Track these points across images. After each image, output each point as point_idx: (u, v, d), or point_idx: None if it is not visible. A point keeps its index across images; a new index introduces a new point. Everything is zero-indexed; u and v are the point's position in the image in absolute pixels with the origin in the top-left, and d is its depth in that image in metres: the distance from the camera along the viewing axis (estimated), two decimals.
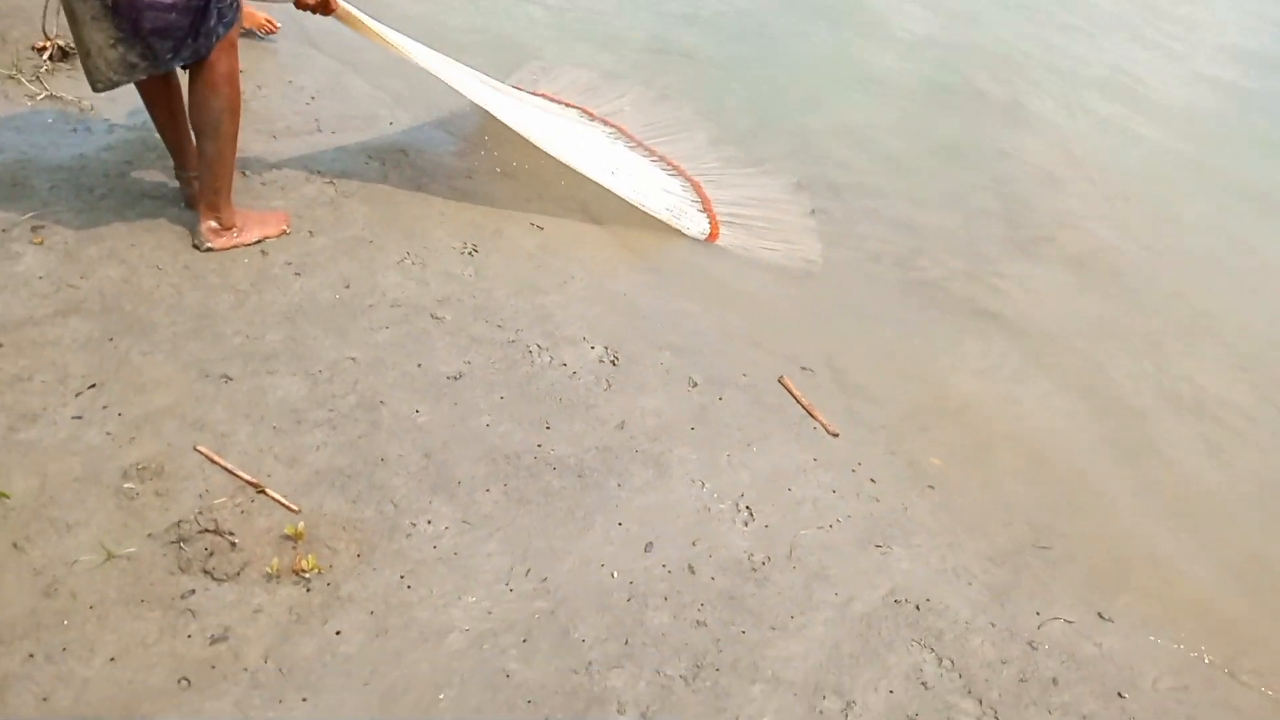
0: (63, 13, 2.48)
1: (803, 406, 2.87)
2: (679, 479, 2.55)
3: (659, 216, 3.50)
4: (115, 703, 1.79)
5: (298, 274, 2.95)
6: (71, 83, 3.61)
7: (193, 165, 2.96)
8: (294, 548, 2.13)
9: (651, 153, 3.91)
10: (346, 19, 3.03)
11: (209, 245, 2.91)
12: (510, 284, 3.12)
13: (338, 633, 2.00)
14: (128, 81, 2.58)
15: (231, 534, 2.11)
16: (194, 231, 2.93)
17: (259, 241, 3.01)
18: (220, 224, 2.92)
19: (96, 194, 3.04)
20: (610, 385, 2.81)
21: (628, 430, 2.67)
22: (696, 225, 3.56)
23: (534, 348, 2.87)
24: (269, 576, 2.05)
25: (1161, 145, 5.46)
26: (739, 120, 4.56)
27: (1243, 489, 3.02)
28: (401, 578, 2.14)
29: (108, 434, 2.29)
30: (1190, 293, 4.02)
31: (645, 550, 2.35)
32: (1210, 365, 3.57)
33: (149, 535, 2.08)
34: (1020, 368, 3.30)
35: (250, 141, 3.54)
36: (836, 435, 2.80)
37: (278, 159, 3.50)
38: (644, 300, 3.21)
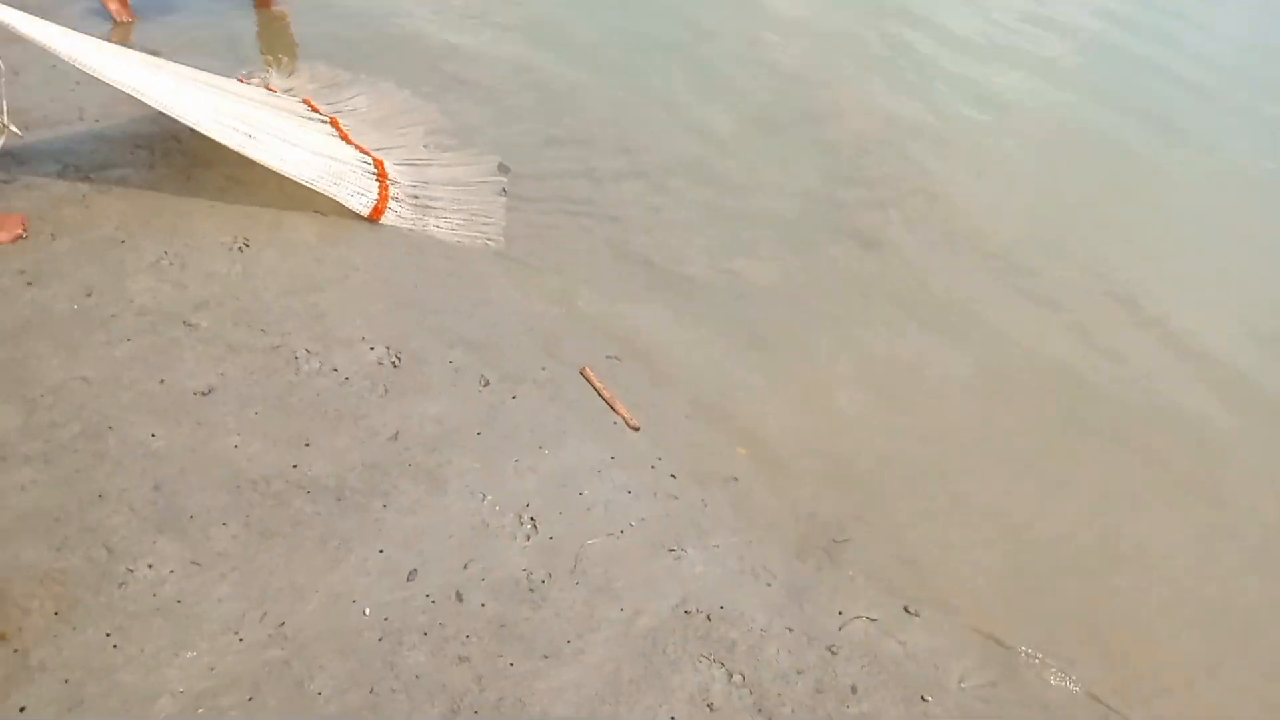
0: None
1: (604, 399, 2.67)
2: (456, 493, 2.32)
3: (305, 182, 3.08)
4: None
5: (30, 283, 2.61)
6: None
7: None
8: None
9: (334, 126, 3.52)
10: None
11: None
12: (282, 282, 2.83)
13: (22, 709, 1.73)
14: None
15: None
16: None
17: None
18: None
19: None
20: (387, 391, 2.56)
21: (401, 441, 2.42)
22: (361, 198, 3.20)
23: (301, 353, 2.60)
24: None
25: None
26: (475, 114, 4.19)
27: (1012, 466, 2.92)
28: (108, 635, 1.86)
29: None
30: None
31: (408, 579, 2.12)
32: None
33: None
34: (832, 349, 3.14)
35: None
36: (638, 429, 2.60)
37: (26, 153, 3.13)
38: (437, 292, 2.96)
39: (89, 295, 2.62)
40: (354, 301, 2.83)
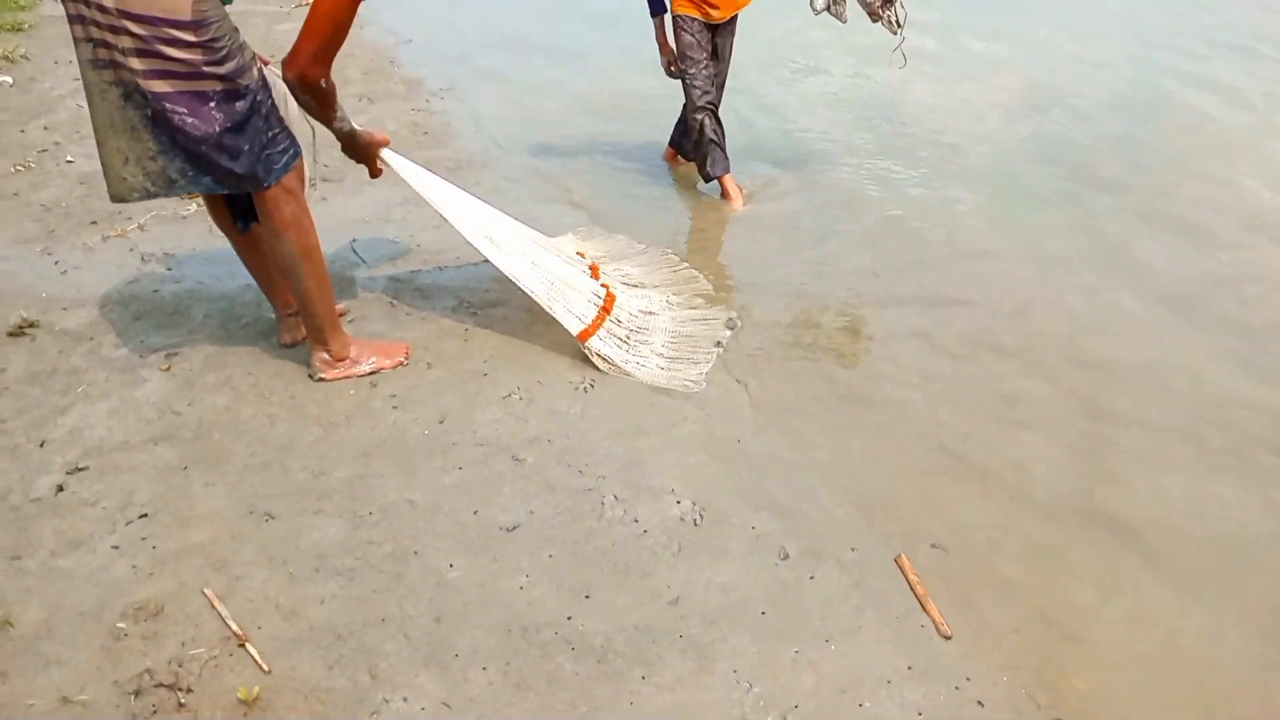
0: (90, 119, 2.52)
1: (916, 595, 2.30)
2: (721, 677, 2.10)
3: (529, 292, 3.11)
4: None
5: (395, 408, 2.87)
6: None
7: (284, 306, 3.02)
8: (244, 714, 1.95)
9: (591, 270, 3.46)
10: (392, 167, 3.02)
11: (320, 376, 2.93)
12: (612, 423, 2.85)
13: None
14: (164, 196, 2.59)
15: (188, 690, 1.99)
16: (308, 363, 2.96)
17: (374, 372, 2.99)
18: (331, 355, 2.92)
19: (241, 323, 3.20)
20: (681, 549, 2.42)
21: (681, 608, 2.26)
22: (577, 321, 3.12)
23: (609, 499, 2.56)
24: None
25: None
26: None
27: None
28: None
29: (134, 567, 2.28)
30: None
31: None
32: None
33: (114, 682, 2.01)
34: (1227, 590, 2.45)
35: (406, 265, 3.61)
36: (949, 637, 2.20)
37: (432, 287, 3.52)
38: (761, 449, 2.80)
39: (441, 422, 2.82)
40: (674, 451, 2.76)
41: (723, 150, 4.38)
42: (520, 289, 3.10)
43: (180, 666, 2.04)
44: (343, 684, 2.04)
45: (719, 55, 4.34)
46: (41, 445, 2.65)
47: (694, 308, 3.46)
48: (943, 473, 2.76)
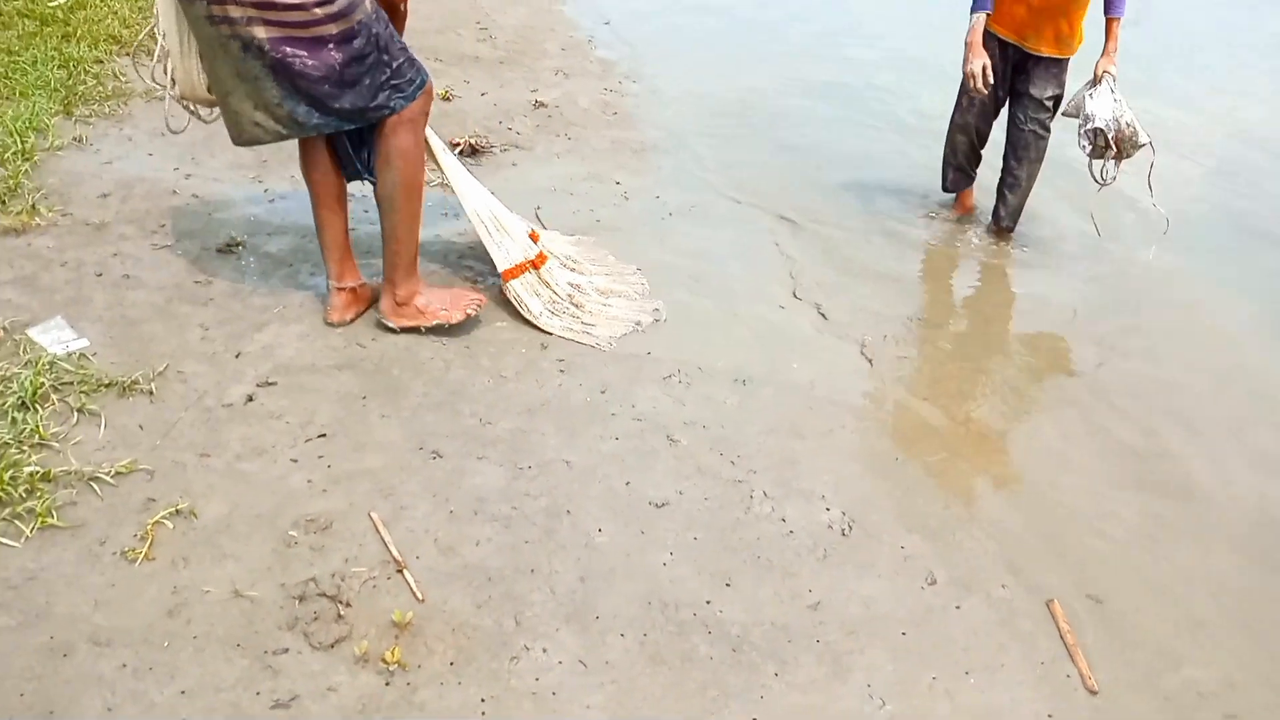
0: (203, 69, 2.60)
1: (1065, 644, 2.23)
2: (854, 688, 2.09)
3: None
4: None
5: (562, 371, 2.95)
6: None
7: (338, 277, 2.95)
8: (396, 636, 2.05)
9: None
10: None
11: (388, 324, 2.94)
12: (768, 420, 2.86)
13: None
14: (296, 136, 2.68)
15: (347, 604, 2.10)
16: (377, 308, 3.00)
17: (441, 325, 2.95)
18: (399, 299, 2.92)
19: (425, 271, 3.32)
20: (826, 556, 2.41)
21: (821, 613, 2.25)
22: (505, 255, 3.17)
23: (758, 494, 2.57)
24: (357, 658, 1.99)
25: None
26: None
27: None
28: (483, 700, 1.96)
29: (309, 481, 2.42)
30: None
31: None
32: None
33: (281, 584, 2.13)
34: None
35: (584, 238, 3.68)
36: (1095, 693, 2.12)
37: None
38: (919, 470, 2.75)
39: (603, 392, 2.88)
40: (829, 457, 2.75)
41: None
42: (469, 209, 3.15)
43: (342, 581, 2.16)
44: (489, 624, 2.11)
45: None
46: (237, 356, 2.83)
47: (623, 295, 3.40)
48: (1113, 524, 2.65)
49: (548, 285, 3.23)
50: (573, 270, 3.39)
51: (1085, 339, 3.62)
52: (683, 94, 5.49)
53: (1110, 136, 3.67)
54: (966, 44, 3.77)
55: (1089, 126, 3.69)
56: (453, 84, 5.02)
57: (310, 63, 2.51)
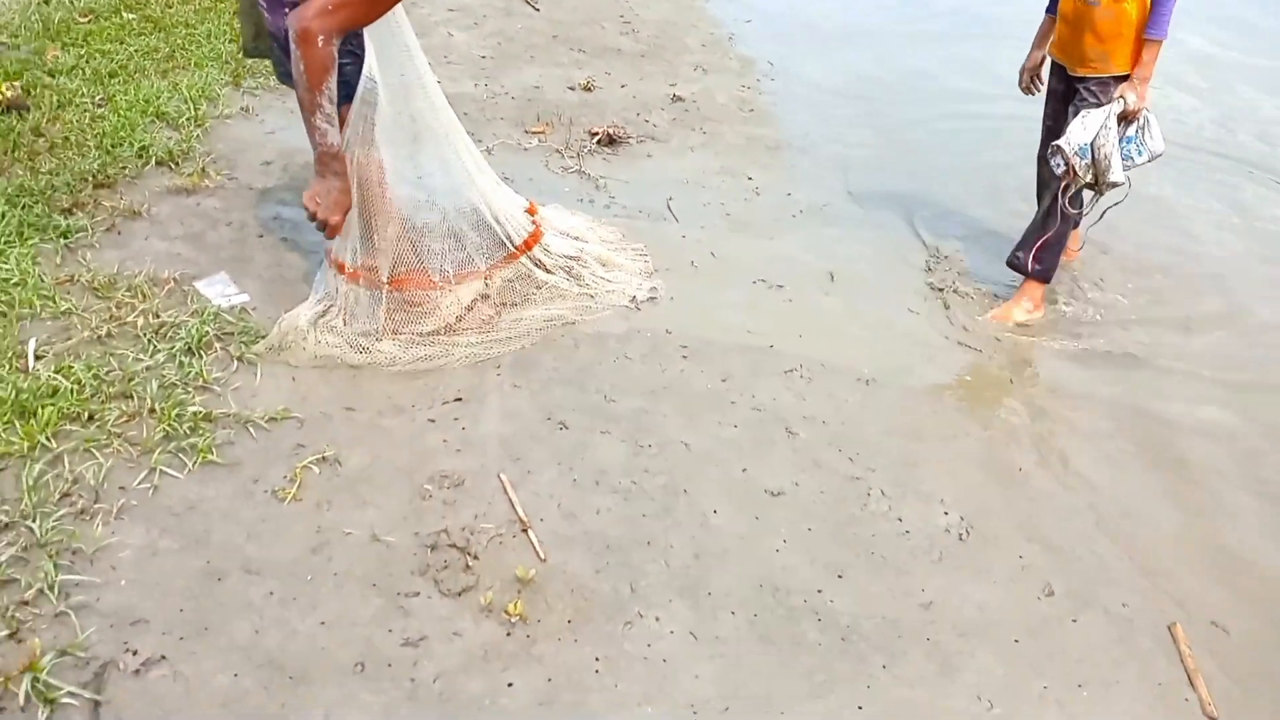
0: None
1: (1185, 669, 2.19)
2: (963, 687, 2.09)
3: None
4: (299, 659, 1.96)
5: (685, 357, 3.02)
6: (603, 164, 4.15)
7: None
8: (519, 590, 2.15)
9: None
10: None
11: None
12: (890, 421, 2.87)
13: (510, 685, 1.98)
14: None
15: (475, 557, 2.21)
16: None
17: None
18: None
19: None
20: (942, 558, 2.42)
21: (932, 613, 2.27)
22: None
23: (875, 492, 2.59)
24: (482, 608, 2.10)
25: None
26: None
27: None
28: (597, 659, 2.04)
29: (444, 441, 2.55)
30: None
31: None
32: None
33: (415, 533, 2.26)
34: None
35: (713, 231, 3.73)
36: (1213, 719, 2.08)
37: (729, 254, 3.63)
38: (1042, 483, 2.72)
39: (724, 380, 2.94)
40: (950, 463, 2.74)
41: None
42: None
43: (471, 535, 2.27)
44: (606, 589, 2.20)
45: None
46: None
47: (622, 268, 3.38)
48: (1246, 551, 2.58)
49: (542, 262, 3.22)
50: (576, 239, 3.44)
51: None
52: (822, 95, 5.48)
53: (1067, 158, 3.27)
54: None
55: (1055, 142, 3.33)
56: (594, 75, 5.13)
57: None
